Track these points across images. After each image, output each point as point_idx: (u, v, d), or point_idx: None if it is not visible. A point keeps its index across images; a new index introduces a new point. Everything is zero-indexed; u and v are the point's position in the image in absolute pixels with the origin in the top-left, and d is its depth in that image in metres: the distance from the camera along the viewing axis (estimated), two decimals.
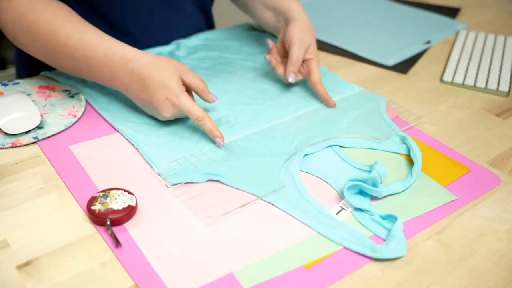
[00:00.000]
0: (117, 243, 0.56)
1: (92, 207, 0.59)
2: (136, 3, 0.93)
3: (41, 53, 0.76)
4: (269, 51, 0.89)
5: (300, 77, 0.87)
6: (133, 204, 0.60)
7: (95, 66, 0.73)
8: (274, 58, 0.88)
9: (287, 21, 0.89)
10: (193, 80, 0.73)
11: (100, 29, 0.92)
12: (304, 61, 0.86)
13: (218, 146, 0.71)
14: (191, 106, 0.71)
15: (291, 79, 0.84)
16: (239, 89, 0.86)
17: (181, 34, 1.01)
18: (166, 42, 0.99)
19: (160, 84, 0.70)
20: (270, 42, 0.89)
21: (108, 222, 0.57)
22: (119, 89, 0.75)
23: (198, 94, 0.75)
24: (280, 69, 0.87)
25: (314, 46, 0.86)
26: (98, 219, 0.58)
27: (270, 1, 0.93)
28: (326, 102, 0.84)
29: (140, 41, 0.96)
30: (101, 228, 0.58)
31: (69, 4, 0.87)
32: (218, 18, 1.18)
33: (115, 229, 0.58)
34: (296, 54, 0.84)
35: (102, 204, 0.59)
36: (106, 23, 0.92)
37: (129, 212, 0.59)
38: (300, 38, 0.84)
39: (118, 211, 0.58)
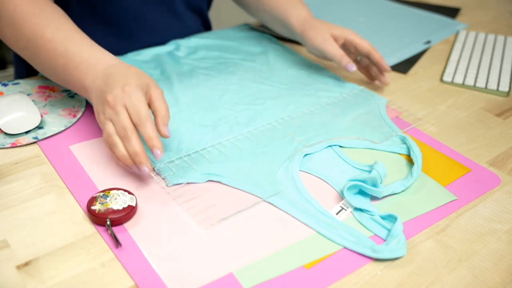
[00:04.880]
0: (117, 243, 0.56)
1: (92, 207, 0.59)
2: (135, 5, 0.93)
3: (21, 46, 0.73)
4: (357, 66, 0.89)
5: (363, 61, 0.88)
6: (133, 204, 0.60)
7: (75, 61, 0.68)
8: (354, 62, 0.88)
9: (298, 36, 0.88)
10: (158, 99, 0.65)
11: (98, 29, 0.93)
12: (344, 44, 0.86)
13: (155, 157, 0.62)
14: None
15: (350, 68, 0.84)
16: (239, 89, 0.86)
17: (178, 37, 1.01)
18: (164, 43, 0.99)
19: (123, 76, 0.64)
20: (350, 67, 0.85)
21: (108, 222, 0.57)
22: (86, 89, 0.68)
23: (155, 118, 0.65)
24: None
25: (334, 28, 0.86)
26: (98, 219, 0.58)
27: (278, 13, 0.93)
28: (381, 67, 0.84)
29: (138, 42, 0.96)
30: (101, 228, 0.58)
31: (68, 3, 0.87)
32: (215, 21, 1.18)
33: (115, 229, 0.58)
34: (332, 52, 0.83)
35: (102, 204, 0.59)
36: (104, 22, 0.93)
37: (129, 212, 0.59)
38: (322, 41, 0.84)
39: (118, 211, 0.58)
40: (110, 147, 0.63)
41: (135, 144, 0.61)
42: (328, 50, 0.84)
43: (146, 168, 0.61)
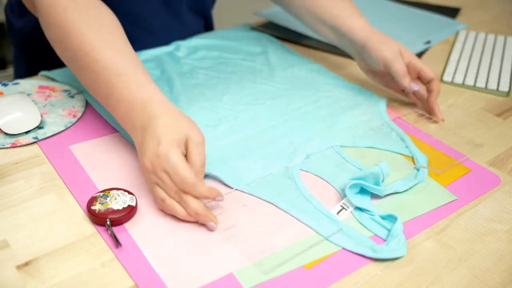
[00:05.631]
0: (117, 243, 0.56)
1: (92, 207, 0.59)
2: (136, 7, 0.93)
3: (68, 57, 0.69)
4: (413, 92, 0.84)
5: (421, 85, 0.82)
6: (133, 204, 0.60)
7: (116, 98, 0.65)
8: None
9: (356, 44, 0.84)
10: (194, 153, 0.60)
11: None
12: (407, 66, 0.82)
13: (211, 230, 0.59)
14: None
15: (413, 87, 0.80)
16: (239, 89, 0.86)
17: (181, 39, 1.01)
18: (165, 44, 0.99)
19: (159, 131, 0.60)
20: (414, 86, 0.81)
21: (108, 222, 0.57)
22: (127, 131, 0.65)
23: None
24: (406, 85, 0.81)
25: (403, 47, 0.83)
26: (98, 219, 0.58)
27: (327, 17, 0.88)
28: (431, 111, 0.82)
29: (140, 43, 0.96)
30: (101, 228, 0.58)
31: None
32: (216, 21, 1.18)
33: (115, 229, 0.58)
34: (399, 67, 0.80)
35: (102, 204, 0.59)
36: None
37: (129, 212, 0.59)
38: (392, 57, 0.80)
39: (118, 211, 0.58)
40: (169, 211, 0.60)
41: (193, 205, 0.58)
42: (395, 66, 0.80)
43: (213, 224, 0.58)
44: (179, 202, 0.59)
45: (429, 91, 0.82)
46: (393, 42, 0.83)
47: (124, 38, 0.70)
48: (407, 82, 0.80)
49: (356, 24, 0.85)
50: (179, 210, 0.59)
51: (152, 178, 0.60)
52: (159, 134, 0.59)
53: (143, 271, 0.53)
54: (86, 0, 0.70)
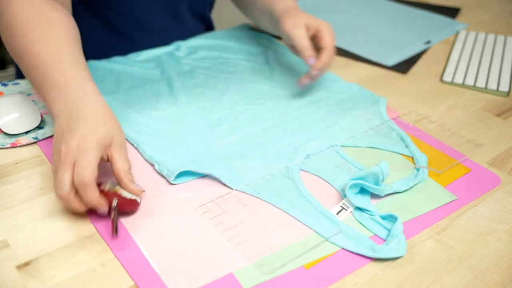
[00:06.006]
0: (115, 230, 0.56)
1: (102, 186, 0.59)
2: (137, 9, 0.93)
3: (15, 58, 0.70)
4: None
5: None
6: (138, 201, 0.60)
7: (49, 85, 0.63)
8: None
9: (278, 23, 0.85)
10: (117, 160, 0.59)
11: (100, 32, 0.93)
12: (315, 39, 0.82)
13: (101, 212, 0.59)
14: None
15: (310, 62, 0.79)
16: (239, 89, 0.86)
17: (180, 39, 1.01)
18: (165, 44, 0.99)
19: (87, 125, 0.58)
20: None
21: (115, 203, 0.57)
22: (54, 116, 0.63)
23: (119, 180, 0.60)
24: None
25: (311, 18, 0.81)
26: (106, 197, 0.58)
27: (263, 4, 0.91)
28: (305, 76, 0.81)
29: (140, 45, 0.96)
30: (101, 228, 0.58)
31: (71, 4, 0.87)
32: (217, 22, 1.19)
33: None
34: (297, 40, 0.79)
35: (111, 187, 0.59)
36: (106, 26, 0.93)
37: (135, 204, 0.59)
38: (292, 26, 0.80)
39: (125, 198, 0.58)
40: (66, 202, 0.58)
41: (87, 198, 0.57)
42: (295, 37, 0.79)
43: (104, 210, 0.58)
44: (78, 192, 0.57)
45: (318, 58, 0.80)
46: (302, 15, 0.82)
47: (71, 36, 0.69)
48: (305, 55, 0.80)
49: (283, 5, 0.86)
50: (77, 205, 0.57)
51: (57, 162, 0.57)
52: (88, 127, 0.58)
53: (143, 271, 0.53)
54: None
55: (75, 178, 0.56)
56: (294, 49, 0.85)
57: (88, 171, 0.56)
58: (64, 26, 0.69)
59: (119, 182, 0.60)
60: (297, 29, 0.80)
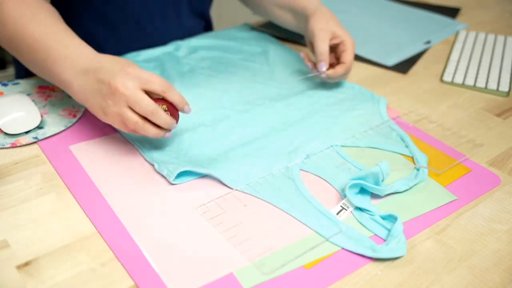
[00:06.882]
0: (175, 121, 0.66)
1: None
2: (137, 9, 0.93)
3: (5, 43, 0.73)
4: (305, 63, 0.88)
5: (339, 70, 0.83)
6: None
7: (54, 56, 0.68)
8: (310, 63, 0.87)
9: (306, 19, 0.87)
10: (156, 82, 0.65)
11: (100, 31, 0.92)
12: (336, 47, 0.85)
13: (187, 112, 0.68)
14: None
15: (320, 67, 0.82)
16: (239, 89, 0.86)
17: (180, 39, 1.01)
18: (165, 44, 0.99)
19: (115, 64, 0.65)
20: (302, 55, 0.88)
21: (165, 106, 0.65)
22: (66, 84, 0.68)
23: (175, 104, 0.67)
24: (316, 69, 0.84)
25: (340, 30, 0.84)
26: (155, 99, 0.64)
27: (285, 2, 0.92)
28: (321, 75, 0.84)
29: (140, 45, 0.96)
30: (101, 228, 0.58)
31: (70, 5, 0.87)
32: (215, 22, 1.18)
33: None
34: (319, 43, 0.82)
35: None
36: (106, 25, 0.93)
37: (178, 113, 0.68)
38: (320, 28, 0.83)
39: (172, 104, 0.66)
40: (140, 132, 0.64)
41: (164, 116, 0.64)
42: (318, 39, 0.82)
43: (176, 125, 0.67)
44: (150, 118, 0.64)
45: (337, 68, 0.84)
46: (333, 22, 0.85)
47: (60, 21, 0.72)
48: (319, 59, 0.82)
49: (310, 2, 0.89)
50: (152, 130, 0.65)
51: (122, 99, 0.63)
52: (119, 63, 0.64)
53: (143, 271, 0.53)
54: None
55: (156, 88, 0.64)
56: (311, 46, 0.88)
57: (148, 100, 0.63)
58: (46, 10, 0.72)
59: (164, 95, 0.66)
60: (323, 33, 0.83)
